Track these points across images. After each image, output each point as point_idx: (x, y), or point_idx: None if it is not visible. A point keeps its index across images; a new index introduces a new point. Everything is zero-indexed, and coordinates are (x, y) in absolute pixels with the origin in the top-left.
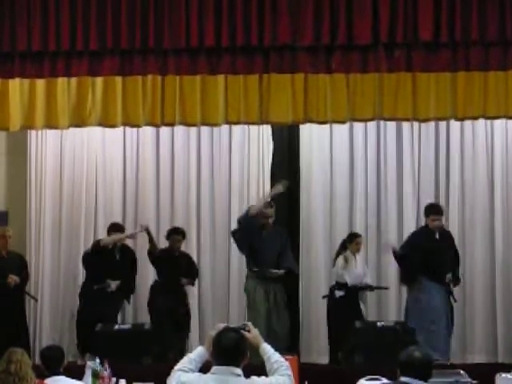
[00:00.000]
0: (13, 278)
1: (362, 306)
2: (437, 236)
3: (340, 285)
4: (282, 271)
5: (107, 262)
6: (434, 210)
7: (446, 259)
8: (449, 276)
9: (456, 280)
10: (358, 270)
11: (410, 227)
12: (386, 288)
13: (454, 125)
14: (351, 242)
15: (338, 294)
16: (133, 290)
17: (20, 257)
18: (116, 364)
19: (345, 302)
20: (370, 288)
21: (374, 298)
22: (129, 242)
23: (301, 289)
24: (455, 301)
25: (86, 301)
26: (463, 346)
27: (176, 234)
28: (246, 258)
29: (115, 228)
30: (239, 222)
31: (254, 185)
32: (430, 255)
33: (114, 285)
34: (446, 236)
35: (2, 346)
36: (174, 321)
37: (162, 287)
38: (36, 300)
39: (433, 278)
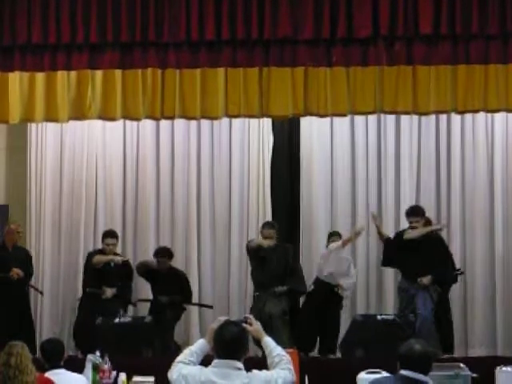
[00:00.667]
0: (15, 272)
1: (344, 302)
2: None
3: (316, 280)
4: (284, 288)
5: (102, 269)
6: (408, 212)
7: (421, 262)
8: (423, 279)
9: (437, 281)
10: (334, 269)
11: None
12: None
13: (455, 118)
14: (328, 240)
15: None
16: (130, 300)
17: (25, 251)
18: (116, 357)
19: (316, 296)
20: (337, 287)
21: (374, 293)
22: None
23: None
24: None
25: (84, 310)
26: (464, 339)
27: (159, 256)
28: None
29: (109, 235)
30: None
31: (255, 178)
32: (404, 256)
33: (109, 292)
34: (431, 240)
35: (6, 339)
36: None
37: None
38: (41, 293)
39: (407, 278)
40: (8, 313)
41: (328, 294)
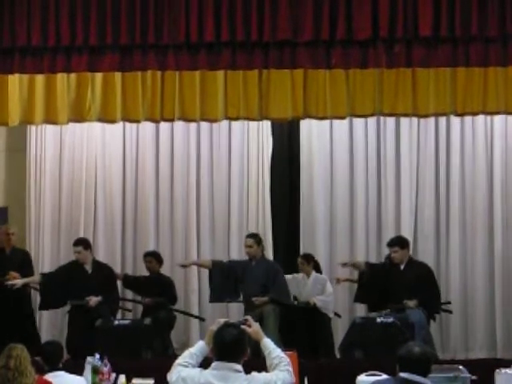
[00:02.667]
0: (12, 275)
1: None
2: (401, 267)
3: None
4: (264, 299)
5: (79, 278)
6: (389, 242)
7: (404, 290)
8: (409, 302)
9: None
10: (307, 290)
11: (408, 223)
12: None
13: (454, 120)
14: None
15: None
16: (117, 307)
17: (24, 253)
18: (116, 359)
19: (301, 317)
20: (307, 304)
21: None
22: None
23: None
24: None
25: (73, 324)
26: (464, 342)
27: (146, 256)
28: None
29: (74, 243)
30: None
31: (254, 181)
32: (387, 283)
33: (93, 301)
34: (416, 269)
35: (9, 341)
36: None
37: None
38: None
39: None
40: (9, 316)
41: (315, 313)
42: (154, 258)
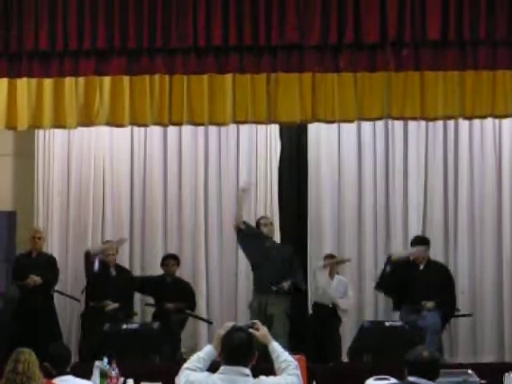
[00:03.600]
0: (32, 279)
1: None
2: (421, 267)
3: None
4: (285, 284)
5: (103, 279)
6: (412, 240)
7: (423, 290)
8: (427, 303)
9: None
10: (330, 291)
11: (416, 225)
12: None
13: (462, 123)
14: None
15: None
16: (131, 314)
17: (49, 257)
18: (124, 363)
19: (315, 318)
20: (333, 305)
21: (383, 299)
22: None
23: (310, 290)
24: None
25: (87, 328)
26: (472, 346)
27: (170, 259)
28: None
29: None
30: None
31: (262, 185)
32: (407, 282)
33: (110, 308)
34: (435, 269)
35: (31, 345)
36: None
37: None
38: (78, 300)
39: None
40: (32, 319)
41: (326, 317)
42: (175, 260)
